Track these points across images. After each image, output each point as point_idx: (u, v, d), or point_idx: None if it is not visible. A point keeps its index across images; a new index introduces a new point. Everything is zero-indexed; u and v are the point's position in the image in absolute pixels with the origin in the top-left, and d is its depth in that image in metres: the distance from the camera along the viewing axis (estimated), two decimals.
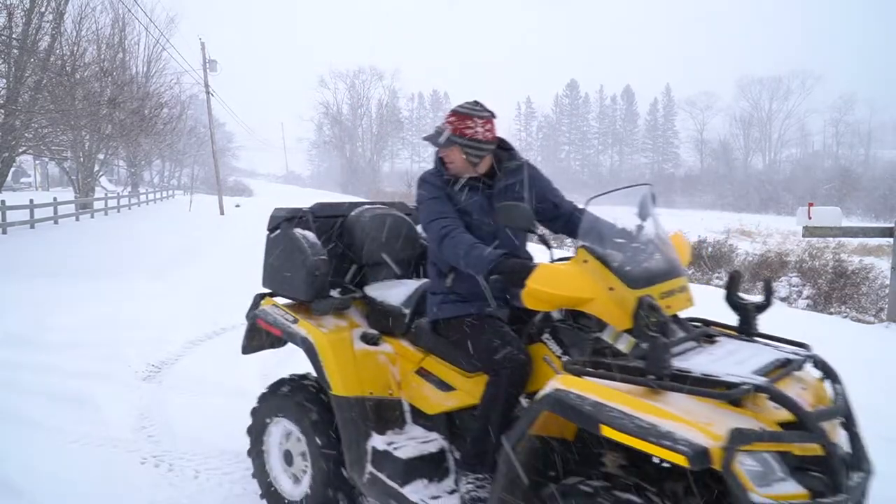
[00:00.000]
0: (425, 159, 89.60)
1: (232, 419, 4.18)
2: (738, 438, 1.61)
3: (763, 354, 2.07)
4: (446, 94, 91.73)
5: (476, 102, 2.57)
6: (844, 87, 79.00)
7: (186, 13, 42.90)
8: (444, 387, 2.55)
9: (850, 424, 2.10)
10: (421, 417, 2.67)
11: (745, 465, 1.64)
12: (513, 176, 2.63)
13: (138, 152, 28.84)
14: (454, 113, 2.53)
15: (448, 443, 2.56)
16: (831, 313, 9.05)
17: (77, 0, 17.84)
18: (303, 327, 2.80)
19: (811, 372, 2.17)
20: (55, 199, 19.90)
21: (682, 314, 2.30)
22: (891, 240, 7.92)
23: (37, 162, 40.82)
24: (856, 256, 11.69)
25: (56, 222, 18.87)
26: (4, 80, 14.23)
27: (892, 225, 7.91)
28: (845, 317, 8.93)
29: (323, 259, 2.78)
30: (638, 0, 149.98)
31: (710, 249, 13.00)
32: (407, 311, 2.74)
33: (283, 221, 2.99)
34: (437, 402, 2.58)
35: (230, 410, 4.37)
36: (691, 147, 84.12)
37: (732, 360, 1.98)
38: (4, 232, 16.08)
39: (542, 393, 1.96)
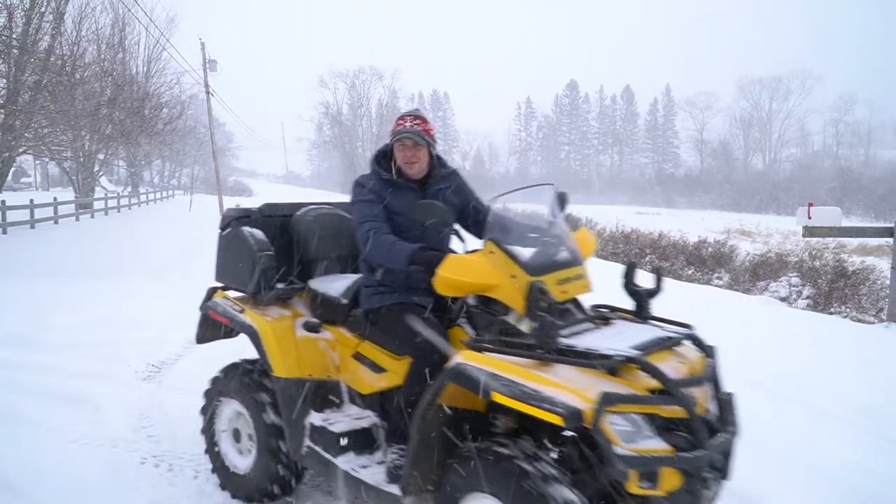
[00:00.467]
0: None
1: None
2: (607, 400, 1.91)
3: (647, 333, 2.36)
4: (446, 94, 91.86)
5: (415, 109, 2.95)
6: (844, 87, 79.15)
7: (186, 13, 42.94)
8: (377, 369, 2.82)
9: (718, 392, 2.41)
10: (357, 397, 2.94)
11: (615, 425, 1.94)
12: (443, 182, 2.90)
13: (138, 152, 28.81)
14: (399, 119, 2.85)
15: (380, 419, 2.82)
16: (831, 313, 9.05)
17: (77, 0, 17.85)
18: (248, 316, 3.07)
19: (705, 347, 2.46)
20: (55, 199, 19.90)
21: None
22: (891, 240, 7.92)
23: (37, 162, 40.83)
24: (856, 256, 11.70)
25: (56, 222, 18.88)
26: (4, 80, 14.22)
27: (892, 225, 7.91)
28: (845, 317, 8.93)
29: (268, 254, 3.04)
30: (638, 0, 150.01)
31: (710, 249, 12.99)
32: (345, 302, 2.97)
33: (234, 220, 3.28)
34: (370, 383, 2.84)
35: None
36: (691, 147, 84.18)
37: (618, 338, 2.27)
38: (4, 232, 16.08)
39: (446, 367, 2.25)
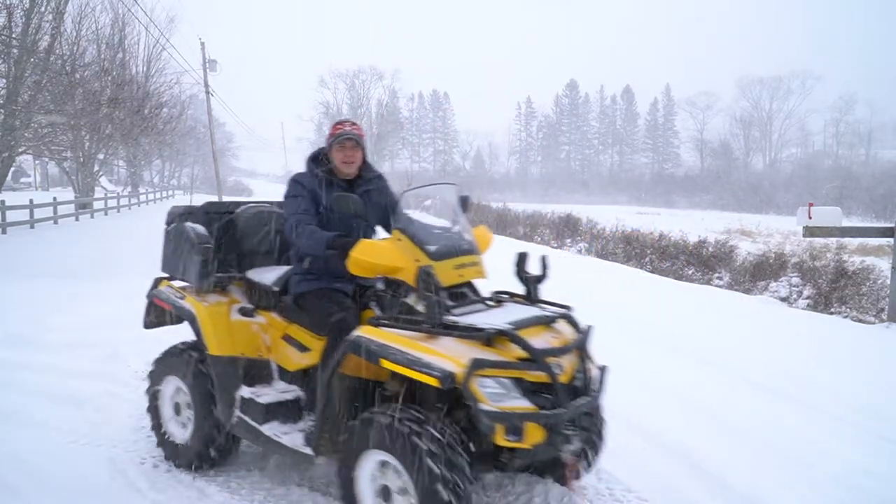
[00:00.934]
0: (425, 159, 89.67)
1: None
2: (476, 365, 2.29)
3: (528, 312, 2.71)
4: (446, 94, 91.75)
5: (347, 119, 3.41)
6: (844, 87, 78.94)
7: (186, 13, 42.90)
8: (302, 348, 3.14)
9: (584, 361, 2.69)
10: (286, 374, 3.28)
11: (485, 387, 2.32)
12: (370, 183, 3.26)
13: (138, 152, 28.80)
14: (332, 127, 3.22)
15: (303, 393, 3.18)
16: (831, 313, 9.05)
17: (77, 0, 17.84)
18: (188, 302, 3.44)
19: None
20: (55, 199, 19.90)
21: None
22: (891, 240, 7.92)
23: (37, 162, 40.83)
24: (856, 256, 11.69)
25: (56, 222, 18.87)
26: (4, 80, 14.22)
27: (892, 225, 7.91)
28: (845, 317, 8.93)
29: (207, 247, 3.39)
30: (638, 0, 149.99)
31: (710, 249, 12.98)
32: (276, 290, 3.29)
33: (178, 217, 3.65)
34: (296, 361, 3.18)
35: None
36: (691, 147, 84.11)
37: (502, 316, 2.62)
38: (4, 232, 16.08)
39: (345, 339, 2.61)
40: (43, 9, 14.97)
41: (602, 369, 2.82)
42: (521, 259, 2.96)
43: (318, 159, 3.20)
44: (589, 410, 2.63)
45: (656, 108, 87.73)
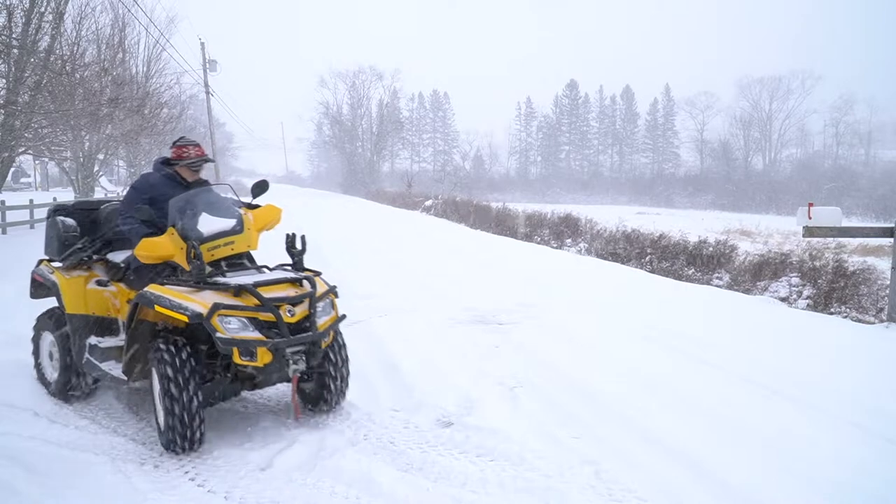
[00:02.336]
0: (425, 159, 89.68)
1: (232, 419, 4.18)
2: (215, 308, 3.45)
3: (282, 275, 3.95)
4: (446, 94, 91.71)
5: (182, 138, 4.55)
6: (844, 87, 78.90)
7: (186, 13, 42.86)
8: None
9: (311, 310, 3.73)
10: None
11: (228, 323, 3.46)
12: (200, 185, 4.39)
13: (138, 152, 28.78)
14: (180, 147, 4.36)
15: None
16: (831, 313, 9.04)
17: (77, 0, 17.83)
18: (55, 276, 4.53)
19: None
20: (55, 199, 19.91)
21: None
22: (891, 240, 7.91)
23: (37, 162, 40.79)
24: (856, 256, 11.68)
25: None
26: (4, 80, 14.21)
27: (892, 225, 7.90)
28: (845, 317, 8.92)
29: (73, 235, 4.55)
30: (638, 0, 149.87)
31: (710, 249, 12.97)
32: (123, 266, 4.37)
33: (53, 211, 4.71)
34: None
35: (229, 410, 4.36)
36: (691, 147, 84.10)
37: (257, 277, 3.82)
38: (4, 232, 16.07)
39: (137, 294, 3.80)
40: (43, 9, 14.96)
41: (341, 318, 4.08)
42: (291, 239, 4.19)
43: (166, 162, 4.40)
44: (312, 342, 3.69)
45: (656, 108, 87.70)
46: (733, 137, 79.22)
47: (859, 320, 8.61)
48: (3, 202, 16.14)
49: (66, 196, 24.69)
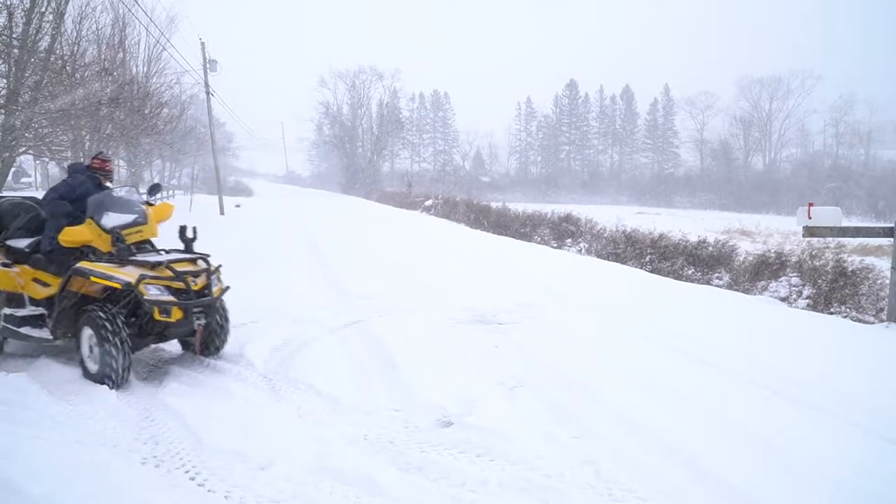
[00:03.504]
0: (425, 159, 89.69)
1: (232, 419, 4.18)
2: (141, 277, 4.63)
3: (181, 255, 5.12)
4: (446, 94, 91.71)
5: (100, 153, 5.94)
6: (844, 87, 78.94)
7: (186, 13, 42.81)
8: (45, 285, 5.22)
9: (209, 280, 5.03)
10: (33, 301, 5.31)
11: (151, 291, 4.64)
12: (113, 186, 5.71)
13: (138, 152, 28.78)
14: (103, 160, 5.64)
15: (46, 310, 5.21)
16: (831, 313, 9.04)
17: (77, 0, 17.83)
18: None
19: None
20: None
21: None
22: (891, 240, 7.91)
23: (37, 162, 40.72)
24: (856, 256, 11.68)
25: None
26: (5, 80, 14.21)
27: (892, 225, 7.90)
28: (845, 317, 8.92)
29: None
30: (638, 0, 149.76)
31: (710, 249, 12.97)
32: (28, 251, 5.35)
33: None
34: (42, 292, 5.24)
35: (230, 410, 4.37)
36: (691, 147, 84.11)
37: (167, 257, 5.02)
38: None
39: (72, 268, 4.82)
40: (43, 9, 14.95)
41: (226, 288, 5.30)
42: (183, 230, 5.35)
43: (86, 167, 5.58)
44: (210, 304, 4.96)
45: (656, 108, 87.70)
46: (733, 137, 79.25)
47: (859, 320, 8.61)
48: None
49: None
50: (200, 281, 4.94)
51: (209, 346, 5.39)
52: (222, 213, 27.60)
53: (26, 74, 14.47)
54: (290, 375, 5.00)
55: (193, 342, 5.23)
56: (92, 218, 4.98)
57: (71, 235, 4.94)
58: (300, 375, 4.97)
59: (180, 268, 4.85)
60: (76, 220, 5.09)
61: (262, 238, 16.54)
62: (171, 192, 42.56)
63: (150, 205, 5.53)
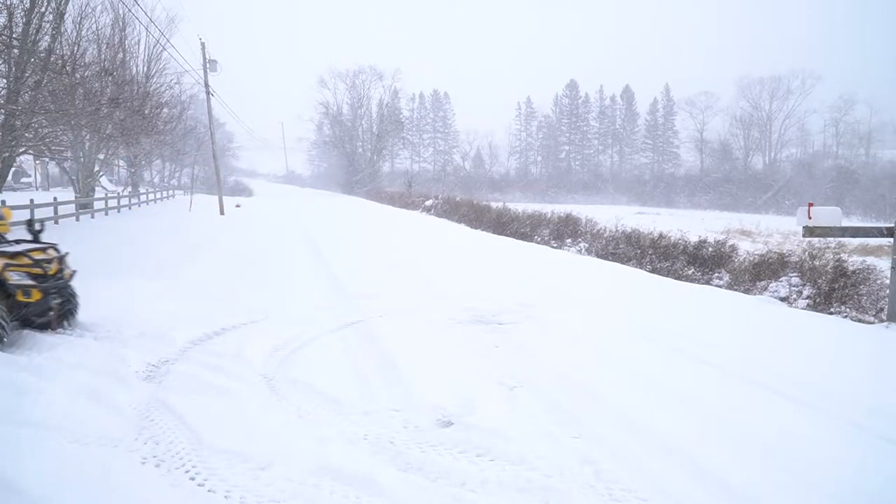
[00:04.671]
0: (425, 159, 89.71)
1: (232, 419, 4.18)
2: (5, 266, 5.59)
3: (33, 245, 6.04)
4: (446, 94, 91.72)
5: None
6: (844, 87, 78.94)
7: (187, 13, 42.84)
8: None
9: (61, 266, 6.09)
10: None
11: (14, 276, 5.63)
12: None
13: (138, 152, 28.79)
14: None
15: None
16: (831, 313, 9.04)
17: (77, 0, 17.84)
18: None
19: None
20: (55, 199, 19.88)
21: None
22: (891, 240, 7.91)
23: (37, 162, 40.77)
24: (856, 256, 11.68)
25: (56, 222, 18.85)
26: (5, 80, 14.21)
27: (892, 225, 7.90)
28: (845, 317, 8.92)
29: None
30: (638, 1, 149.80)
31: (710, 249, 12.97)
32: None
33: None
34: None
35: (230, 410, 4.37)
36: (691, 147, 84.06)
37: (20, 247, 5.93)
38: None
39: None
40: (43, 9, 14.97)
41: (74, 272, 6.27)
42: (31, 223, 6.54)
43: None
44: (63, 286, 5.99)
45: (656, 108, 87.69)
46: (733, 137, 79.24)
47: (859, 320, 8.61)
48: (3, 202, 16.13)
49: (67, 196, 24.70)
50: (54, 266, 5.94)
51: (62, 321, 6.18)
52: (222, 213, 27.60)
53: (26, 74, 14.47)
54: (290, 375, 5.00)
55: (49, 322, 6.03)
56: None
57: None
58: (300, 375, 4.97)
59: (39, 255, 5.83)
60: None
61: (262, 238, 16.55)
62: (171, 193, 42.59)
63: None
